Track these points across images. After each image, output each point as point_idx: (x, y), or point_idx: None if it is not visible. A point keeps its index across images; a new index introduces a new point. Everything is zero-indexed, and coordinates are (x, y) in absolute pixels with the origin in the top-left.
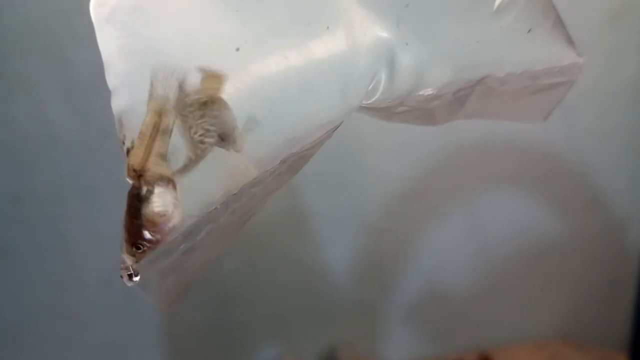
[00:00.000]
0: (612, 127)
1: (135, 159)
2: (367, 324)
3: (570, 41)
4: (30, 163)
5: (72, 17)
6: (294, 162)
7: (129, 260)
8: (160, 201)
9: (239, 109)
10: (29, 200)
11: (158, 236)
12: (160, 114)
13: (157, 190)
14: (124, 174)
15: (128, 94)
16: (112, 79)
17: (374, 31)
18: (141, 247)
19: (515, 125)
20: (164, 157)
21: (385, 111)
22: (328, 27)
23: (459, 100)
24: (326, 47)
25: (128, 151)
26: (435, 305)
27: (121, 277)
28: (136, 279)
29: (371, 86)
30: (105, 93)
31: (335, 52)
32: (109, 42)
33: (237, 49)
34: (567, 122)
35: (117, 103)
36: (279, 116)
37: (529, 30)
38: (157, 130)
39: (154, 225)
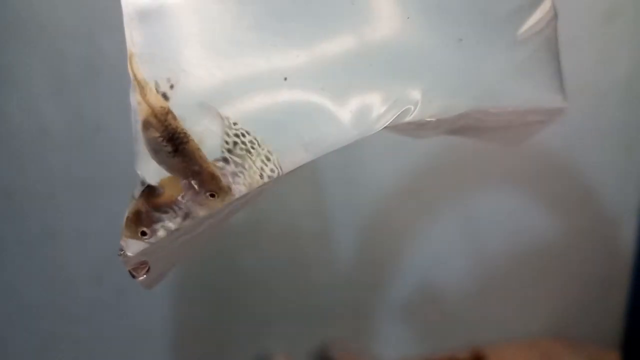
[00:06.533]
0: (604, 125)
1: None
2: (360, 322)
3: (562, 88)
4: (21, 157)
5: (63, 10)
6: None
7: (133, 247)
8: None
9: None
10: (19, 194)
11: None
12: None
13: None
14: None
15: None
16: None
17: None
18: (147, 234)
19: None
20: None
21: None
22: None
23: (445, 123)
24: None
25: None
26: (428, 303)
27: (128, 270)
28: (142, 276)
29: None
30: (96, 88)
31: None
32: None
33: (285, 79)
34: (560, 120)
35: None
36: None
37: (533, 71)
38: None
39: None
